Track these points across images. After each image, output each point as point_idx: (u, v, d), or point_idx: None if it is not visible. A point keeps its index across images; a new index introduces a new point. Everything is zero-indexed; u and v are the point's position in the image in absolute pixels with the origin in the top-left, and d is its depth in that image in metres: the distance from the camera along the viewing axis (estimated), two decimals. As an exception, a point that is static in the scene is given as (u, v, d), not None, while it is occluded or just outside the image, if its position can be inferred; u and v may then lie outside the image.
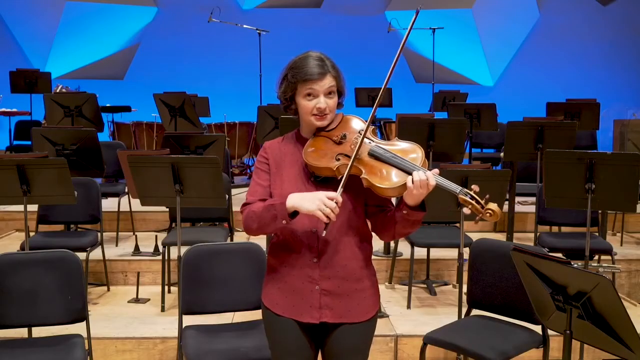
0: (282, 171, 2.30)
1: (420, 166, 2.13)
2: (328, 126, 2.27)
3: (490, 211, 2.06)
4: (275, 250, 2.34)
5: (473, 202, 2.08)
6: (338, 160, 2.19)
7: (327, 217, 2.09)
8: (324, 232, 2.14)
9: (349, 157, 2.18)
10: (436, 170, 2.13)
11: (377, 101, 2.28)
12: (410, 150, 2.20)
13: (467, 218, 3.93)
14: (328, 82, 2.22)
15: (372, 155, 2.19)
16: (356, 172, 2.18)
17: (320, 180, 2.25)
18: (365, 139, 2.21)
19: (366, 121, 2.31)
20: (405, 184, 2.10)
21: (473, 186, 2.11)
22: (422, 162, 2.16)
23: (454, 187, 2.10)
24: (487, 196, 2.10)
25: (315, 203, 2.11)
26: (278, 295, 2.31)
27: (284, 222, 2.17)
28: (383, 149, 2.20)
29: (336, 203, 2.10)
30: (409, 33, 2.18)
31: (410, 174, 2.11)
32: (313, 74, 2.20)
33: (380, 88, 2.32)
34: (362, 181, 2.16)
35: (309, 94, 2.22)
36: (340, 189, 2.14)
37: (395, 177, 2.14)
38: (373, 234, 2.38)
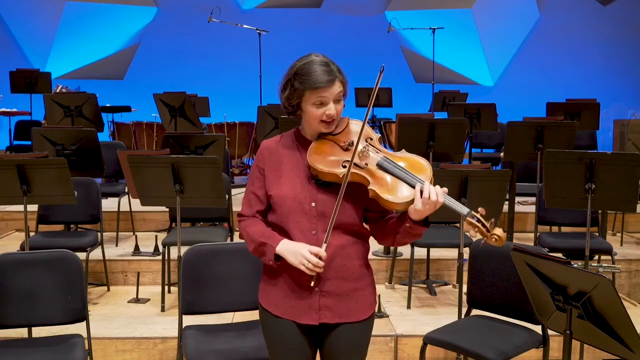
0: (281, 172, 2.28)
1: (428, 182, 2.12)
2: (334, 129, 2.26)
3: (495, 236, 2.07)
4: None
5: (479, 225, 2.08)
6: (344, 167, 2.17)
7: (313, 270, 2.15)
8: (312, 282, 2.19)
9: (357, 165, 2.17)
10: (445, 189, 2.12)
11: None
12: (418, 165, 2.19)
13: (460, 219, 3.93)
14: (337, 88, 2.19)
15: (381, 167, 2.17)
16: (363, 181, 2.17)
17: (321, 184, 2.23)
18: (372, 149, 2.20)
19: (364, 122, 2.30)
20: (413, 199, 2.10)
21: (480, 209, 2.11)
22: (430, 178, 2.15)
23: (462, 209, 2.10)
24: (492, 220, 2.10)
25: (298, 259, 2.16)
26: (276, 297, 2.31)
27: (270, 262, 2.23)
28: (392, 162, 2.18)
29: (320, 258, 2.14)
30: (377, 86, 2.18)
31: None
32: (322, 81, 2.15)
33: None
34: (368, 191, 2.15)
35: (318, 102, 2.18)
36: (329, 231, 2.16)
37: (403, 191, 2.13)
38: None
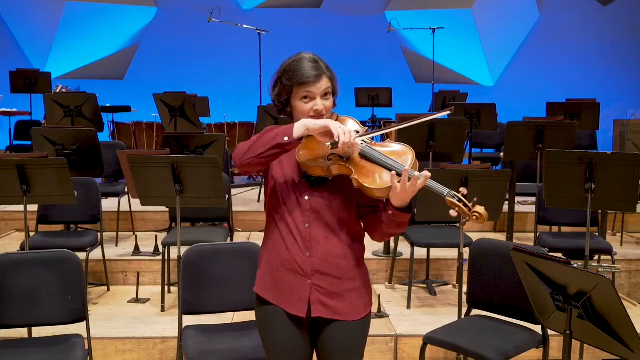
0: (283, 163, 2.30)
1: (409, 167, 2.12)
2: None
3: (477, 214, 2.05)
4: (268, 243, 2.35)
5: (460, 204, 2.07)
6: (329, 160, 2.19)
7: (338, 137, 2.08)
8: (329, 144, 2.11)
9: (341, 157, 2.18)
10: (428, 174, 2.10)
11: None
12: (401, 152, 2.21)
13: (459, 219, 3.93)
14: (324, 84, 2.23)
15: (363, 155, 2.19)
16: (347, 172, 2.18)
17: (313, 180, 2.26)
18: (358, 140, 2.20)
19: (361, 122, 2.32)
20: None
21: (461, 189, 2.10)
22: (412, 163, 2.15)
23: (442, 190, 2.09)
24: (475, 199, 2.09)
25: (326, 122, 2.12)
26: (268, 281, 2.31)
27: (286, 138, 2.13)
28: (373, 149, 2.20)
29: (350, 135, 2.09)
30: None
31: (398, 174, 2.10)
32: (309, 76, 2.20)
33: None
34: (352, 181, 2.17)
35: (305, 97, 2.22)
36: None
37: (384, 178, 2.14)
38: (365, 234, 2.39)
